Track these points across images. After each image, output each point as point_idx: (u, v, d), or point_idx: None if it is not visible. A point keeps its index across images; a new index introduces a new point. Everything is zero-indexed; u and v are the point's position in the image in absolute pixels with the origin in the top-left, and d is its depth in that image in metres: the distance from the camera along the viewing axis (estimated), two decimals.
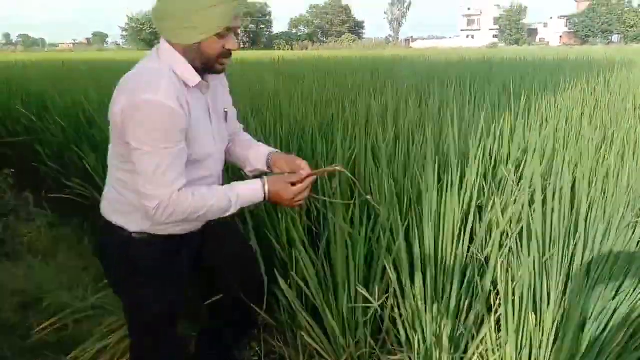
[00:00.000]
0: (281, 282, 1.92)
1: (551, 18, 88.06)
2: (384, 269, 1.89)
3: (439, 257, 1.86)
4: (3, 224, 3.93)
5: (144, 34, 72.69)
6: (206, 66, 1.48)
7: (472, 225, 1.91)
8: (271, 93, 4.03)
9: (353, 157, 2.40)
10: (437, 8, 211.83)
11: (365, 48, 48.56)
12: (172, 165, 1.40)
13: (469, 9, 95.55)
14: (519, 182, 2.17)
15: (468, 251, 1.86)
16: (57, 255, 3.42)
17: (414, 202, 2.05)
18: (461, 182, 1.98)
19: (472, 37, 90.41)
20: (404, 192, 2.08)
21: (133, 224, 1.55)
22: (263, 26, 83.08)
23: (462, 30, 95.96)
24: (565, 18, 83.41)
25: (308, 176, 1.62)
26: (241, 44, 78.36)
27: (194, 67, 1.46)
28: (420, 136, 2.50)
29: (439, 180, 2.07)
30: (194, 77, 1.46)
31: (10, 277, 3.08)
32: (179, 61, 1.44)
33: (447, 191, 1.91)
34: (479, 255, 1.84)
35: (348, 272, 1.91)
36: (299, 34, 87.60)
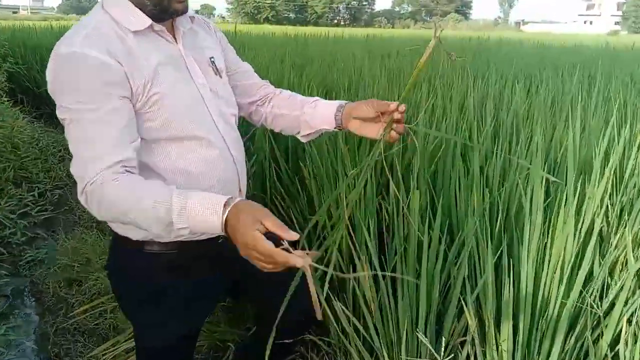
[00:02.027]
0: (338, 306, 1.53)
1: None
2: (460, 305, 1.45)
3: (538, 302, 1.38)
4: (57, 195, 3.89)
5: (248, 8, 74.25)
6: (161, 6, 1.15)
7: (590, 263, 1.40)
8: (355, 71, 3.60)
9: (438, 155, 1.94)
10: None
11: (471, 29, 46.34)
12: (103, 133, 1.04)
13: None
14: None
15: (580, 298, 1.36)
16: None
17: (511, 223, 1.57)
18: (580, 203, 1.48)
19: (591, 22, 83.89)
20: (498, 208, 1.61)
21: (133, 231, 1.21)
22: (365, 2, 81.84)
23: (579, 15, 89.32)
24: None
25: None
26: (341, 21, 78.02)
27: (148, 12, 1.15)
28: (527, 134, 1.99)
29: (547, 195, 1.58)
30: (141, 20, 1.14)
31: (63, 250, 2.97)
32: (121, 4, 1.14)
33: (557, 213, 1.42)
34: (596, 306, 1.34)
35: (417, 306, 1.48)
36: (401, 12, 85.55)
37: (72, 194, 3.79)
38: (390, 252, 1.75)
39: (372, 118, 1.22)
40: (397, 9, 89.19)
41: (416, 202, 1.45)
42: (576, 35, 27.41)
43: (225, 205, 0.94)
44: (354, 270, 1.75)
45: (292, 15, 77.52)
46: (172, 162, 1.18)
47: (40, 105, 6.11)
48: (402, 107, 1.15)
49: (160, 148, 1.17)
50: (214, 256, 1.28)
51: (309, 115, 1.37)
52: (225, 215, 0.93)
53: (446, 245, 1.53)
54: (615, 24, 77.39)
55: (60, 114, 1.06)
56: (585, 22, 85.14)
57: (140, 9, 1.14)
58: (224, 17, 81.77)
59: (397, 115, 1.15)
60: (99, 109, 1.04)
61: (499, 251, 1.45)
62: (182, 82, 1.20)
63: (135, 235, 1.21)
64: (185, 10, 1.19)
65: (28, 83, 6.30)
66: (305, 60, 4.35)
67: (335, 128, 1.34)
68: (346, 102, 1.33)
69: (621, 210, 1.65)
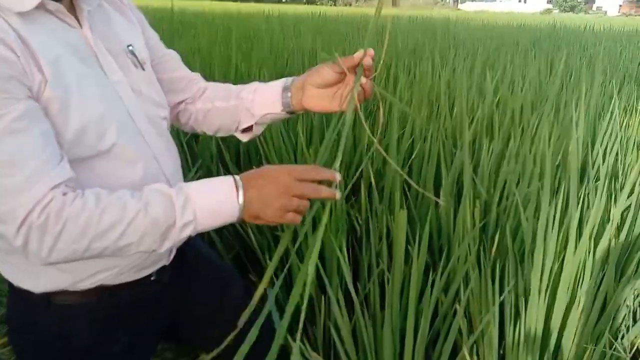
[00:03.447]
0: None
1: None
2: (455, 346, 1.20)
3: (550, 345, 1.15)
4: None
5: None
6: None
7: (613, 297, 1.18)
8: (307, 54, 3.27)
9: (410, 159, 1.68)
10: None
11: (413, 8, 46.67)
12: (24, 144, 0.72)
13: None
14: None
15: (599, 340, 1.14)
16: None
17: (508, 246, 1.33)
18: (603, 222, 1.25)
19: (525, 1, 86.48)
20: (494, 225, 1.37)
21: (37, 279, 0.89)
22: None
23: None
24: None
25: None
26: None
27: None
28: (509, 129, 1.76)
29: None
30: None
31: None
32: None
33: (566, 234, 1.19)
34: (621, 348, 1.13)
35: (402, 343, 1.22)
36: None
37: None
38: (364, 273, 1.49)
39: (335, 82, 0.95)
40: None
41: (403, 226, 1.17)
42: (514, 14, 28.04)
43: (233, 177, 0.81)
44: (325, 295, 1.48)
45: None
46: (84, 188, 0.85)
47: None
48: (371, 51, 0.91)
49: None
50: (146, 299, 1.00)
51: (249, 100, 1.06)
52: (240, 180, 0.81)
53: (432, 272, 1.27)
54: (547, 2, 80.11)
55: None
56: (519, 1, 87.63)
57: None
58: None
59: (367, 61, 0.90)
60: (4, 117, 0.71)
61: (497, 277, 1.21)
62: (92, 80, 0.86)
63: (37, 285, 0.89)
64: None
65: None
66: (252, 41, 3.98)
67: (283, 111, 1.04)
68: (293, 78, 1.04)
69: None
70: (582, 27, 10.17)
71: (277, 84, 1.05)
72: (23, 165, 0.71)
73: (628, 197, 1.36)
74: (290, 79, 1.04)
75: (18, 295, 0.93)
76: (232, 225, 1.88)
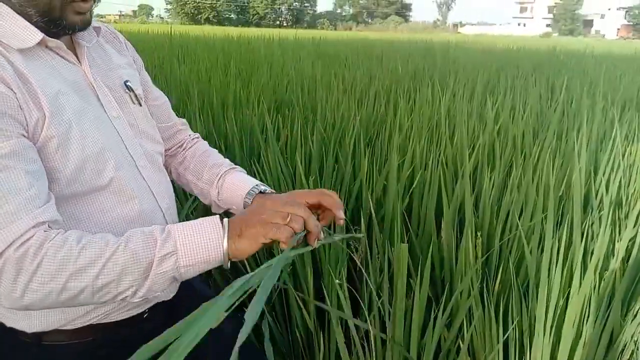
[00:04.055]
0: None
1: (609, 9, 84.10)
2: None
3: None
4: None
5: (188, 8, 72.45)
6: (50, 17, 0.82)
7: (620, 333, 1.14)
8: (307, 81, 3.28)
9: (411, 188, 1.65)
10: None
11: (412, 31, 47.19)
12: (9, 182, 0.71)
13: None
14: None
15: None
16: None
17: (512, 280, 1.29)
18: (608, 254, 1.21)
19: (524, 25, 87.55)
20: (497, 258, 1.33)
21: (29, 319, 0.86)
22: (307, 4, 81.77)
23: (513, 17, 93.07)
24: (625, 10, 79.52)
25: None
26: (284, 22, 77.85)
27: (35, 24, 0.81)
28: (511, 157, 1.74)
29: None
30: (28, 34, 0.81)
31: None
32: (2, 17, 0.80)
33: (571, 268, 1.16)
34: None
35: None
36: (343, 13, 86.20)
37: None
38: (364, 306, 1.45)
39: None
40: (338, 10, 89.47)
41: (404, 263, 1.14)
42: (514, 37, 28.27)
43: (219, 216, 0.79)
44: (324, 327, 1.45)
45: (233, 16, 76.16)
46: (81, 226, 0.83)
47: None
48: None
49: (65, 207, 0.82)
50: (138, 337, 0.96)
51: (215, 196, 1.06)
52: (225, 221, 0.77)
53: (435, 307, 1.24)
54: (546, 26, 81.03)
55: None
56: (519, 25, 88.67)
57: (26, 20, 0.80)
58: (162, 18, 79.65)
59: (327, 201, 0.87)
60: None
61: (501, 313, 1.17)
62: (92, 115, 0.85)
63: (30, 326, 0.86)
64: (86, 25, 0.86)
65: None
66: (251, 66, 3.99)
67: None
68: (258, 187, 1.00)
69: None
70: (582, 50, 10.25)
71: (242, 188, 1.01)
72: (6, 201, 0.70)
73: (634, 227, 1.33)
74: (256, 189, 0.99)
75: (6, 335, 0.90)
76: (232, 264, 1.85)
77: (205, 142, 1.18)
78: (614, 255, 1.20)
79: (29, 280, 0.69)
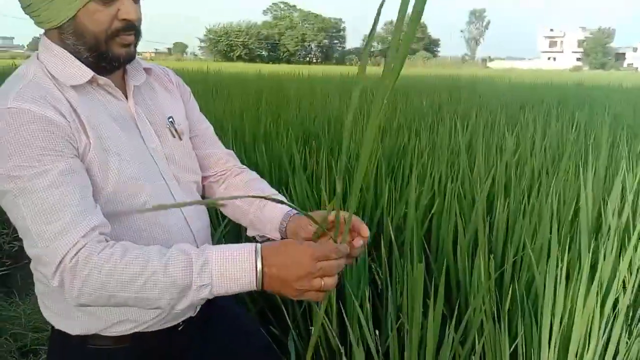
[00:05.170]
0: None
1: None
2: None
3: None
4: (17, 247, 3.56)
5: (221, 46, 74.63)
6: (98, 53, 0.95)
7: (617, 344, 1.21)
8: (333, 114, 3.43)
9: (430, 214, 1.76)
10: (516, 28, 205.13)
11: (441, 66, 47.40)
12: (64, 197, 0.84)
13: (551, 30, 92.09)
14: None
15: None
16: None
17: (521, 292, 1.38)
18: (594, 272, 1.29)
19: (554, 59, 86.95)
20: (507, 279, 1.42)
21: (74, 322, 0.99)
22: (336, 41, 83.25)
23: (542, 52, 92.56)
24: None
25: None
26: (313, 58, 79.11)
27: (87, 61, 0.96)
28: (526, 188, 1.83)
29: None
30: (80, 73, 0.95)
31: (17, 315, 2.67)
32: (56, 56, 0.96)
33: (577, 290, 1.24)
34: None
35: None
36: (372, 50, 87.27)
37: None
38: (385, 326, 1.54)
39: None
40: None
41: (420, 282, 1.24)
42: (543, 71, 28.16)
43: (255, 249, 0.85)
44: (346, 346, 1.54)
45: (264, 53, 77.98)
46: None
47: None
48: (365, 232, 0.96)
49: None
50: (173, 350, 1.09)
51: (256, 217, 1.15)
52: (260, 254, 0.84)
53: (450, 324, 1.33)
54: (577, 59, 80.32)
55: None
56: (549, 59, 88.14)
57: (78, 59, 0.95)
58: (196, 55, 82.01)
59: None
60: (51, 171, 0.84)
61: (512, 332, 1.26)
62: (131, 145, 0.99)
63: (73, 328, 1.00)
64: (130, 57, 0.99)
65: None
66: (281, 102, 4.18)
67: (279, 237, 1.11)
68: (295, 212, 1.09)
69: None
70: (611, 84, 10.22)
71: (279, 213, 1.10)
72: (62, 214, 0.83)
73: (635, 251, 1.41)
74: (291, 213, 1.08)
75: (57, 337, 1.03)
76: None
77: (254, 172, 1.26)
78: (614, 278, 1.27)
79: (82, 285, 0.82)
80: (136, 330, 1.02)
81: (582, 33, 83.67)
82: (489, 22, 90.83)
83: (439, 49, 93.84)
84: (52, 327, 1.04)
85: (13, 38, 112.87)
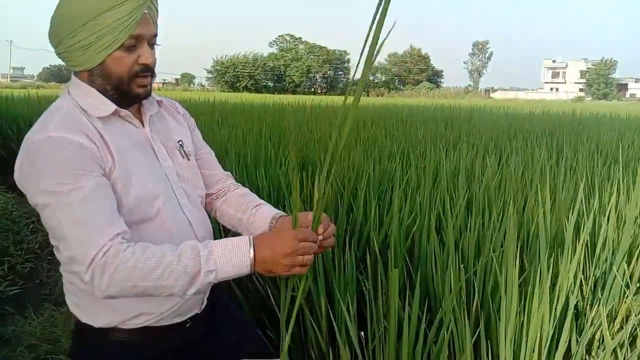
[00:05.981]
0: None
1: None
2: None
3: None
4: (29, 268, 3.72)
5: (228, 77, 75.75)
6: (121, 91, 1.18)
7: (567, 342, 1.40)
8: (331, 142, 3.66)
9: (413, 229, 1.95)
10: (519, 59, 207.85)
11: (444, 97, 47.95)
12: (95, 209, 1.05)
13: (553, 61, 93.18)
14: (632, 282, 1.64)
15: None
16: None
17: (487, 299, 1.57)
18: (554, 277, 1.49)
19: (557, 90, 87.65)
20: (474, 285, 1.61)
21: (97, 316, 1.19)
22: (341, 72, 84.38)
23: (545, 82, 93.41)
24: None
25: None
26: (318, 89, 79.98)
27: (110, 97, 1.19)
28: (500, 207, 2.03)
29: (522, 269, 1.59)
30: (105, 106, 1.17)
31: (31, 328, 2.85)
32: (85, 92, 1.18)
33: (532, 292, 1.43)
34: None
35: None
36: (375, 81, 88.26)
37: (44, 267, 3.68)
38: (371, 330, 1.72)
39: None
40: (371, 77, 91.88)
41: (395, 284, 1.44)
42: (543, 101, 28.48)
43: (249, 239, 1.08)
44: (334, 348, 1.72)
45: (270, 83, 78.99)
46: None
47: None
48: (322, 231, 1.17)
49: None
50: (183, 344, 1.30)
51: (249, 222, 1.38)
52: (253, 243, 1.07)
53: (426, 324, 1.51)
54: (579, 90, 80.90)
55: (39, 199, 1.06)
56: (551, 89, 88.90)
57: (103, 95, 1.17)
58: (203, 86, 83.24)
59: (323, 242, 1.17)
60: (84, 187, 1.04)
61: (477, 330, 1.44)
62: (148, 165, 1.21)
63: (96, 321, 1.20)
64: (147, 95, 1.22)
65: (4, 153, 6.25)
66: (283, 131, 4.43)
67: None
68: (282, 213, 1.35)
69: (595, 284, 1.66)
70: (608, 114, 10.44)
71: (269, 214, 1.34)
72: (93, 222, 1.04)
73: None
74: (278, 215, 1.34)
75: (81, 329, 1.23)
76: (256, 290, 2.16)
77: (246, 188, 1.51)
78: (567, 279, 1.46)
79: (110, 279, 1.02)
80: (148, 323, 1.21)
81: (585, 64, 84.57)
82: (491, 54, 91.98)
83: (442, 80, 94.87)
84: (78, 320, 1.23)
85: (24, 68, 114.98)
